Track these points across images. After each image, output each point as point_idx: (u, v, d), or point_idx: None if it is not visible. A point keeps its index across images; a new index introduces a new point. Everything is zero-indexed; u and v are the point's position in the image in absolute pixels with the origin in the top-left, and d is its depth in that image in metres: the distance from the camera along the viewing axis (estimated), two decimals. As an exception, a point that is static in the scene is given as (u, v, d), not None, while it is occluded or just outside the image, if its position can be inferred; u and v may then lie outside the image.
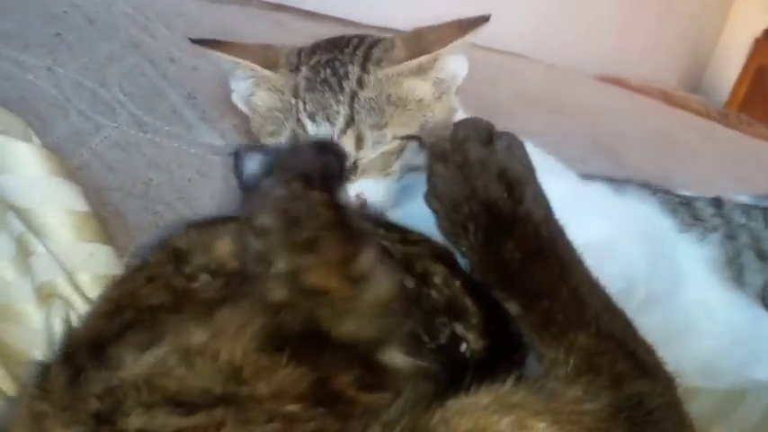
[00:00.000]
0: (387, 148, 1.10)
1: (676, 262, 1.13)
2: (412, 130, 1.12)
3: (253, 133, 1.24)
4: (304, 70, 1.14)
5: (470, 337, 0.78)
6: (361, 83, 1.11)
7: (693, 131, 2.54)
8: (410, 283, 0.78)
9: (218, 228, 0.78)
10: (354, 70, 1.12)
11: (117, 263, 0.94)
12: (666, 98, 3.22)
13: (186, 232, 0.79)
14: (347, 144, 1.08)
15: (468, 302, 0.79)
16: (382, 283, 0.70)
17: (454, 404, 0.63)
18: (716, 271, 1.15)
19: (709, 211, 1.22)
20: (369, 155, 1.10)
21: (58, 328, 0.84)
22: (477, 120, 0.79)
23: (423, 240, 0.84)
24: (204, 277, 0.73)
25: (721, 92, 4.25)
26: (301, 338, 0.65)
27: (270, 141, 1.16)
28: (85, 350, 0.70)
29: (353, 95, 1.10)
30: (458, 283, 0.80)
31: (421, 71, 1.13)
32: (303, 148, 0.80)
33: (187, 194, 1.15)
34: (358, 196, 1.09)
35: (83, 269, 0.90)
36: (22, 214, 0.91)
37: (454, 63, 1.15)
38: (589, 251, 1.05)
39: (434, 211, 0.78)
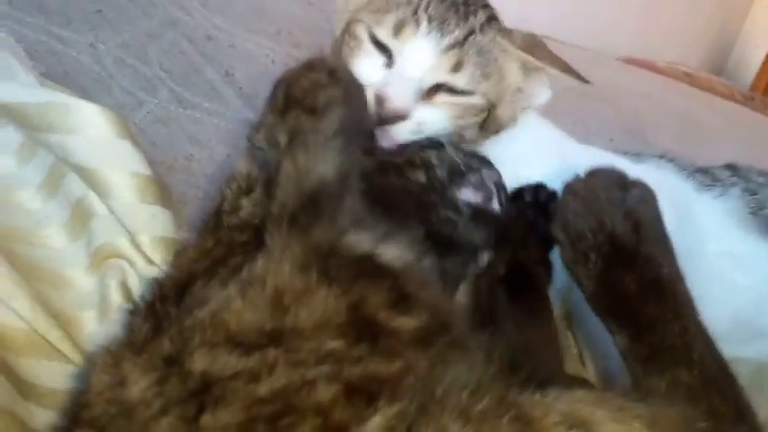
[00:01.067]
0: (472, 99, 1.06)
1: (697, 219, 1.15)
2: (492, 102, 1.09)
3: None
4: None
5: (485, 173, 0.89)
6: (482, 28, 1.08)
7: (718, 114, 2.54)
8: (421, 176, 0.88)
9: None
10: (480, 16, 1.09)
11: (176, 227, 0.96)
12: (691, 80, 3.21)
13: (223, 190, 0.90)
14: (444, 63, 1.04)
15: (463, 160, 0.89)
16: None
17: (552, 391, 0.64)
18: (740, 223, 1.16)
19: (725, 173, 1.24)
20: (457, 86, 1.05)
21: (114, 289, 0.86)
22: (613, 168, 0.84)
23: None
24: (244, 201, 0.85)
25: (746, 75, 4.22)
26: (326, 254, 0.71)
27: (361, 20, 1.08)
28: (173, 293, 0.75)
29: (472, 31, 1.06)
30: (447, 152, 0.91)
31: (523, 67, 1.12)
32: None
33: (226, 168, 1.17)
34: (415, 122, 1.04)
35: (144, 230, 0.92)
36: (87, 175, 0.93)
37: (543, 87, 1.14)
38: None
39: (559, 242, 0.81)
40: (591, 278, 0.79)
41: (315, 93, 0.83)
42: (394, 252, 0.75)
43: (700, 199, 1.18)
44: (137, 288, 0.88)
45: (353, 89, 0.88)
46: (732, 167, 1.25)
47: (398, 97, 1.01)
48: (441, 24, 1.04)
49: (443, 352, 0.67)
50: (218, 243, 0.80)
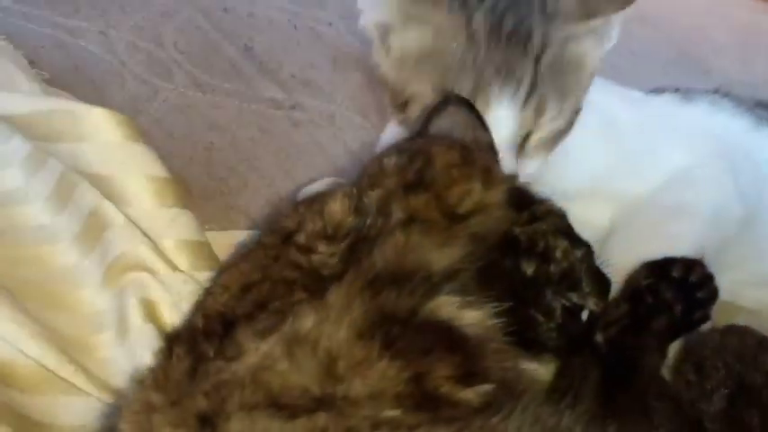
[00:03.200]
0: (562, 123, 0.94)
1: (759, 159, 1.06)
2: (582, 101, 0.96)
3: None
4: (480, 13, 0.91)
5: (589, 302, 0.80)
6: (546, 38, 0.92)
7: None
8: (530, 268, 0.79)
9: (326, 194, 0.77)
10: (538, 21, 0.92)
11: (198, 228, 0.91)
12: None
13: (295, 210, 0.78)
14: (527, 116, 0.91)
15: (584, 270, 0.81)
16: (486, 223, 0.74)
17: None
18: None
19: None
20: (545, 129, 0.93)
21: (134, 308, 0.82)
22: (747, 329, 0.83)
23: (549, 212, 0.84)
24: (322, 246, 0.71)
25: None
26: (397, 322, 0.64)
27: (416, 96, 0.93)
28: (215, 329, 0.69)
29: (538, 56, 0.91)
30: (579, 253, 0.81)
31: (593, 32, 0.96)
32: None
33: (250, 155, 1.12)
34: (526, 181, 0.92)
35: (166, 234, 0.88)
36: (100, 182, 0.89)
37: (615, 31, 0.97)
38: (672, 182, 1.00)
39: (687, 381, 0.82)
40: (716, 416, 0.78)
41: (460, 193, 0.73)
42: (476, 317, 0.68)
43: (758, 137, 1.08)
44: (161, 302, 0.83)
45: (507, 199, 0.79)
46: (796, 102, 1.14)
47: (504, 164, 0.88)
48: (508, 76, 0.89)
49: (509, 417, 0.60)
50: (265, 280, 0.72)
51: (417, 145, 0.79)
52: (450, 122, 0.82)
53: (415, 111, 0.93)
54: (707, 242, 0.94)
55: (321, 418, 0.57)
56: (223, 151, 1.11)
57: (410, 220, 0.71)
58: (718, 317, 0.89)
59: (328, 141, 1.21)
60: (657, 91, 1.15)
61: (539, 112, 0.91)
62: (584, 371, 0.81)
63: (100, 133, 0.90)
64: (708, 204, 0.98)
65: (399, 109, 0.96)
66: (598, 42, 0.96)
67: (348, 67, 1.38)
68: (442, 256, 0.70)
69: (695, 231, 0.96)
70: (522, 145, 0.92)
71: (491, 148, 0.84)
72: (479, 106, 0.87)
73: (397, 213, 0.72)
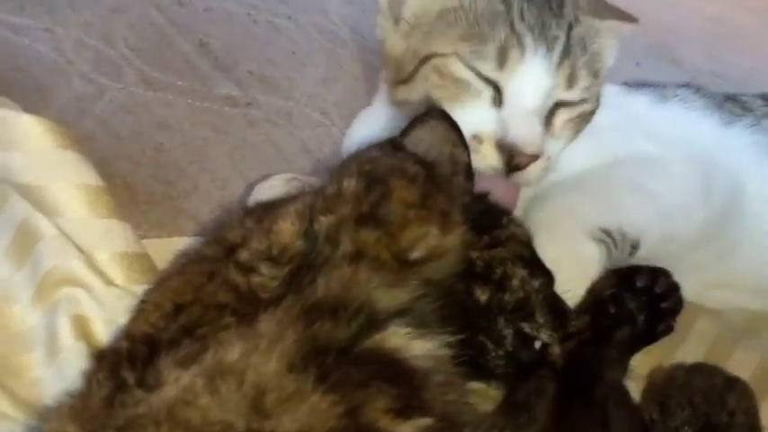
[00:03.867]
0: (589, 106, 0.92)
1: (730, 158, 1.03)
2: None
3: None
4: None
5: (542, 334, 0.76)
6: (576, 17, 0.92)
7: (752, 16, 2.36)
8: (484, 295, 0.76)
9: (278, 210, 0.72)
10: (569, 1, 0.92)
11: (135, 239, 0.87)
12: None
13: (241, 222, 0.74)
14: (560, 79, 0.88)
15: (540, 300, 0.78)
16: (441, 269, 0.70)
17: None
18: None
19: (758, 102, 1.11)
20: (575, 106, 0.91)
21: (65, 326, 0.78)
22: (714, 368, 0.82)
23: (512, 238, 0.81)
24: (265, 267, 0.67)
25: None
26: (333, 353, 0.60)
27: (454, 53, 0.88)
28: (140, 353, 0.65)
29: (571, 26, 0.90)
30: (536, 284, 0.78)
31: (609, 31, 0.96)
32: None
33: (202, 156, 1.08)
34: (548, 159, 0.89)
35: (100, 247, 0.84)
36: (31, 193, 0.85)
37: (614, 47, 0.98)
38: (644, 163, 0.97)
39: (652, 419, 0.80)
40: None
41: (414, 237, 0.69)
42: (426, 347, 0.64)
43: (729, 132, 1.05)
44: (95, 318, 0.79)
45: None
46: (766, 97, 1.11)
47: (530, 141, 0.85)
48: (543, 32, 0.87)
49: None
50: (196, 302, 0.68)
51: (381, 169, 0.73)
52: (429, 136, 0.78)
53: (424, 79, 0.90)
54: (651, 233, 0.92)
55: None
56: (173, 152, 1.07)
57: (358, 255, 0.67)
58: (681, 317, 0.87)
59: (285, 140, 1.17)
60: (630, 85, 1.12)
61: (571, 80, 0.88)
62: (539, 386, 0.77)
63: (30, 141, 0.87)
64: (670, 199, 0.95)
65: (403, 82, 0.93)
66: (612, 47, 0.96)
67: (308, 62, 1.34)
68: (389, 296, 0.66)
69: (645, 215, 0.93)
70: (549, 121, 0.89)
71: (467, 170, 0.80)
72: (510, 63, 0.85)
73: (346, 245, 0.67)
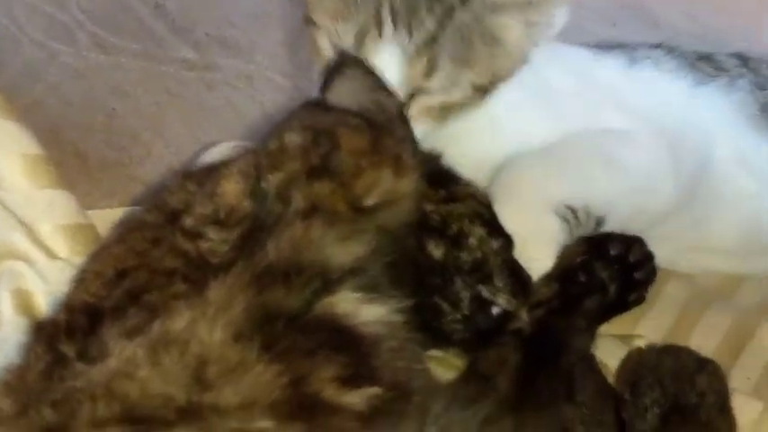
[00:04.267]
0: (457, 96, 0.88)
1: (701, 119, 1.00)
2: (487, 80, 0.89)
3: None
4: None
5: (500, 298, 0.74)
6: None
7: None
8: (439, 251, 0.74)
9: (220, 170, 0.69)
10: None
11: (79, 210, 0.84)
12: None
13: (182, 186, 0.70)
14: (416, 68, 0.85)
15: (499, 264, 0.76)
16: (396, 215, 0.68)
17: None
18: (748, 120, 1.01)
19: (733, 62, 1.08)
20: (433, 92, 0.87)
21: (6, 300, 0.75)
22: (686, 350, 0.79)
23: (471, 196, 0.79)
24: (213, 232, 0.65)
25: None
26: (282, 321, 0.57)
27: (320, 26, 0.88)
28: (80, 324, 0.62)
29: (450, 11, 0.86)
30: (495, 245, 0.76)
31: (519, 10, 0.90)
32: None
33: (156, 122, 1.04)
34: None
35: (43, 219, 0.81)
36: None
37: (556, 19, 0.91)
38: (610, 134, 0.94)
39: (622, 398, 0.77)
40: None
41: (368, 183, 0.67)
42: (377, 313, 0.62)
43: (702, 93, 1.03)
44: (37, 292, 0.76)
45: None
46: (741, 57, 1.08)
47: None
48: (409, 20, 0.84)
49: (398, 423, 0.56)
50: (141, 267, 0.65)
51: (323, 123, 0.71)
52: (350, 87, 0.75)
53: (318, 51, 0.88)
54: (620, 208, 0.89)
55: None
56: (126, 118, 1.05)
57: (312, 210, 0.64)
58: (651, 282, 0.85)
59: (245, 104, 1.14)
60: (603, 47, 1.09)
61: (429, 71, 0.84)
62: (502, 355, 0.76)
63: (-34, 110, 0.84)
64: (639, 169, 0.92)
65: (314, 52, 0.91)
66: (525, 25, 0.89)
67: (269, 24, 1.29)
68: (344, 251, 0.64)
69: (614, 187, 0.90)
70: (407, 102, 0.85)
71: (400, 115, 0.77)
72: (367, 46, 0.82)
73: (298, 201, 0.65)
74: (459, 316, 0.73)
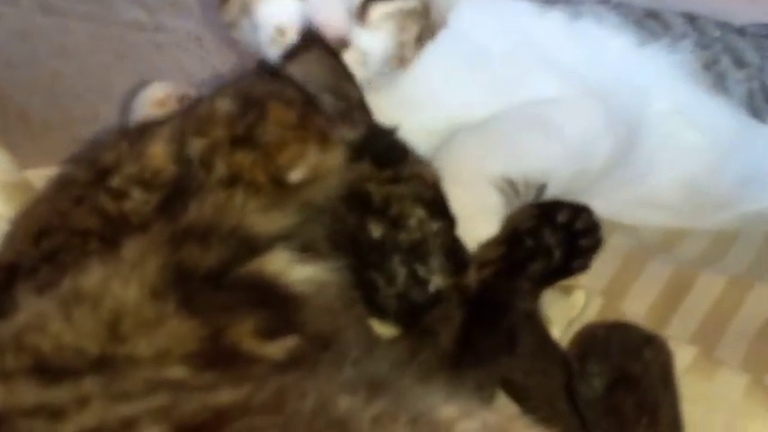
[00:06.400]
0: (410, 2, 0.88)
1: (641, 77, 1.02)
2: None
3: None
4: None
5: (436, 278, 0.75)
6: None
7: None
8: (378, 230, 0.75)
9: (151, 131, 0.69)
10: None
11: (15, 168, 0.84)
12: None
13: (116, 145, 0.69)
14: None
15: (438, 245, 0.77)
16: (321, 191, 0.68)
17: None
18: (692, 77, 1.02)
19: (679, 20, 1.09)
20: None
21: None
22: (633, 326, 0.80)
23: (415, 176, 0.79)
24: (137, 192, 0.64)
25: None
26: (200, 279, 0.58)
27: None
28: (2, 278, 0.63)
29: None
30: (435, 227, 0.77)
31: None
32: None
33: (103, 83, 1.03)
34: (359, 51, 0.85)
35: None
36: None
37: None
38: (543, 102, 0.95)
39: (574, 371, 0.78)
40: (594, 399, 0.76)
41: (291, 157, 0.67)
42: (307, 273, 0.63)
43: (644, 53, 1.03)
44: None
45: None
46: (689, 17, 1.09)
47: (331, 24, 0.81)
48: None
49: (317, 371, 0.54)
50: (61, 229, 0.65)
51: (257, 92, 0.70)
52: (315, 67, 0.76)
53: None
54: (559, 174, 0.90)
55: (87, 383, 0.50)
56: (71, 79, 1.03)
57: (233, 179, 0.65)
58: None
59: (195, 66, 1.13)
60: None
61: None
62: (445, 313, 0.76)
63: None
64: (574, 135, 0.93)
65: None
66: None
67: (221, -17, 1.28)
68: (267, 220, 0.64)
69: (551, 155, 0.91)
70: (363, 13, 0.85)
71: (360, 104, 0.78)
72: None
73: (221, 168, 0.65)
74: (393, 292, 0.74)
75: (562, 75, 0.96)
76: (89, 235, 0.62)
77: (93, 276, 0.57)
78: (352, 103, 0.78)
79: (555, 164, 0.90)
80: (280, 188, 0.66)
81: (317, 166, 0.67)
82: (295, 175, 0.66)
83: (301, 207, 0.66)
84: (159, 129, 0.68)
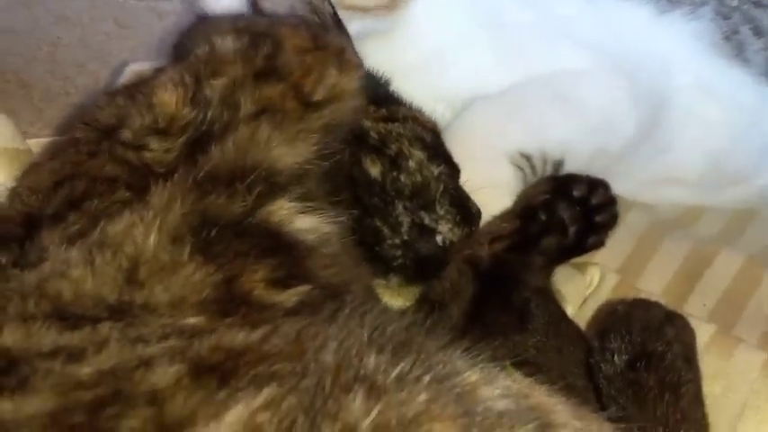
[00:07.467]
0: None
1: (661, 49, 0.99)
2: None
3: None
4: None
5: (442, 226, 0.73)
6: None
7: None
8: (375, 168, 0.74)
9: (151, 82, 0.66)
10: None
11: (17, 135, 0.82)
12: None
13: (110, 101, 0.68)
14: None
15: (441, 190, 0.75)
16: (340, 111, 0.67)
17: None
18: (711, 47, 1.00)
19: None
20: None
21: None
22: (655, 303, 0.77)
23: (411, 118, 0.78)
24: (154, 142, 0.63)
25: None
26: (219, 226, 0.57)
27: None
28: (14, 233, 0.60)
29: None
30: (436, 171, 0.75)
31: None
32: None
33: (103, 52, 1.01)
34: None
35: None
36: None
37: None
38: (565, 75, 0.92)
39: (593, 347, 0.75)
40: (614, 374, 0.74)
41: (315, 80, 0.66)
42: (312, 222, 0.62)
43: (663, 22, 1.00)
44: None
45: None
46: (706, -14, 1.06)
47: None
48: None
49: (331, 319, 0.54)
50: (80, 176, 0.63)
51: (258, 26, 0.69)
52: None
53: None
54: (579, 150, 0.88)
55: (105, 329, 0.50)
56: (71, 48, 1.01)
57: (261, 112, 0.63)
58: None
59: (198, 34, 1.10)
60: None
61: None
62: (456, 286, 0.75)
63: None
64: (597, 110, 0.91)
65: None
66: None
67: (223, -47, 1.25)
68: (289, 152, 0.63)
69: (572, 130, 0.89)
70: None
71: (336, 19, 0.76)
72: None
73: (247, 105, 0.64)
74: (398, 241, 0.71)
75: (585, 48, 0.93)
76: (115, 182, 0.61)
77: (119, 224, 0.56)
78: (325, 19, 0.76)
79: (575, 139, 0.88)
80: (306, 111, 0.65)
81: (337, 86, 0.67)
82: (318, 96, 0.66)
83: (321, 131, 0.65)
84: (159, 78, 0.66)
